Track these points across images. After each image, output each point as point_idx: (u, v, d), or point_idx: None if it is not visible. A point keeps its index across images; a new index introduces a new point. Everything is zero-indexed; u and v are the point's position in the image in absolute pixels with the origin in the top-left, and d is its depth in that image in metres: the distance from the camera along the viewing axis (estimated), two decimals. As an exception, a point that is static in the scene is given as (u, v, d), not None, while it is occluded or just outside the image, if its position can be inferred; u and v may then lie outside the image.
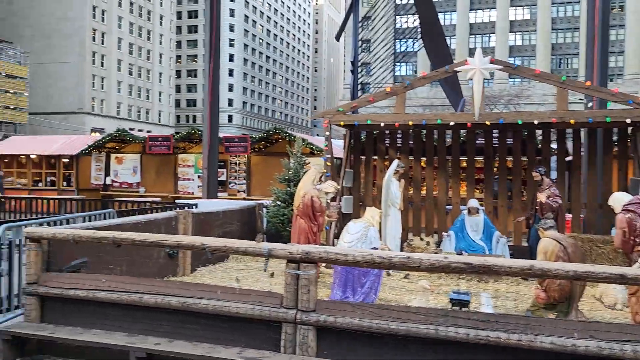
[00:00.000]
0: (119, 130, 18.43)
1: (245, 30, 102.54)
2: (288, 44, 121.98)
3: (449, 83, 27.73)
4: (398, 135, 9.49)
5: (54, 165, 20.38)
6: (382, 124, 8.33)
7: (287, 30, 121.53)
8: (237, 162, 17.75)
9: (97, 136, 22.75)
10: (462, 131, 9.46)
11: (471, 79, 7.71)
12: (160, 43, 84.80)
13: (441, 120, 7.93)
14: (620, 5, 71.25)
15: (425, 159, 9.43)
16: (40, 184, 20.21)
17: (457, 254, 7.93)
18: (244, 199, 17.53)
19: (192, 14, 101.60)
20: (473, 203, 8.41)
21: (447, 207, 9.41)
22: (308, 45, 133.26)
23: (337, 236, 9.02)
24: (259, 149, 17.44)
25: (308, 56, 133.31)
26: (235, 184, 17.76)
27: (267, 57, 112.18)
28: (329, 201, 8.05)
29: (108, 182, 18.95)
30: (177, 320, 4.69)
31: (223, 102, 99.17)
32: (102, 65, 72.73)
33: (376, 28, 32.77)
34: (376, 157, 9.69)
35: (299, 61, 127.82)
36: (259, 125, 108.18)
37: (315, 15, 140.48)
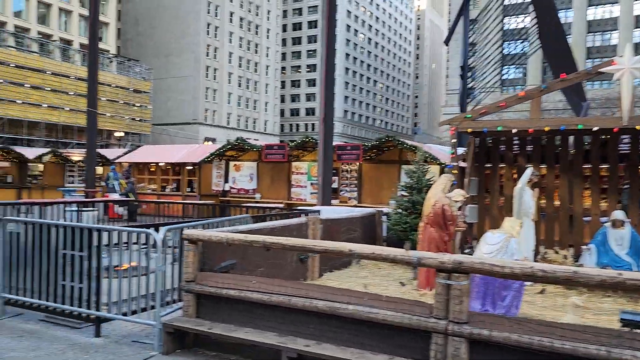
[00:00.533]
0: (238, 139, 19.48)
1: (346, 39, 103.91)
2: (389, 51, 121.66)
3: (571, 86, 26.05)
4: (528, 141, 9.05)
5: (178, 172, 21.97)
6: (514, 130, 8.00)
7: (388, 38, 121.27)
8: (349, 169, 17.96)
9: (216, 145, 24.17)
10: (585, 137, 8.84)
11: (617, 80, 7.15)
12: (267, 56, 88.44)
13: (582, 126, 7.44)
14: None
15: (558, 166, 8.89)
16: (167, 189, 21.88)
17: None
18: (355, 206, 17.68)
19: (297, 26, 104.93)
20: (618, 215, 7.77)
21: (585, 218, 8.79)
22: (409, 52, 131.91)
23: (460, 247, 8.80)
24: (370, 157, 17.52)
25: (409, 63, 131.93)
26: (347, 191, 17.98)
27: (368, 65, 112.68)
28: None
29: (227, 188, 20.06)
30: (323, 323, 4.82)
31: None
32: (214, 79, 77.37)
33: (485, 31, 31.66)
34: (503, 165, 9.32)
35: (399, 68, 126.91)
36: (359, 134, 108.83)
37: (417, 21, 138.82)
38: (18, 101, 49.52)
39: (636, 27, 68.41)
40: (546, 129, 7.72)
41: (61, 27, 60.16)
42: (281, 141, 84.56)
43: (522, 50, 38.94)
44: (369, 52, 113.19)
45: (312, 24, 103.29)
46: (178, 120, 74.37)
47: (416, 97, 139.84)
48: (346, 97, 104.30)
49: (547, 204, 9.02)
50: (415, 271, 7.75)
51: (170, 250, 5.95)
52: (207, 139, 73.99)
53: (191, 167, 21.50)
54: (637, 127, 7.20)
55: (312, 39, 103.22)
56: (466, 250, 8.59)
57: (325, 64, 15.31)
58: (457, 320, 4.15)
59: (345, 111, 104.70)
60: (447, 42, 31.31)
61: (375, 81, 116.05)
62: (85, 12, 61.28)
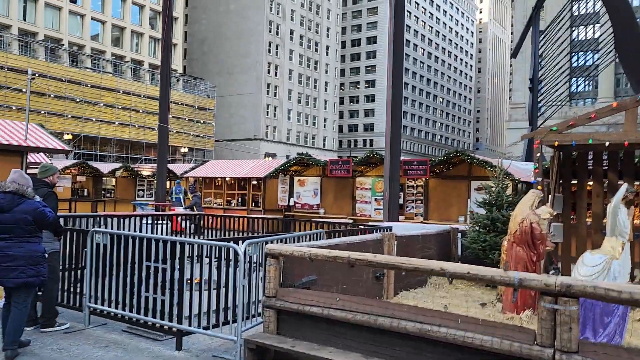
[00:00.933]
0: (302, 154, 19.59)
1: (406, 54, 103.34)
2: (450, 65, 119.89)
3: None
4: (619, 156, 8.44)
5: (244, 187, 22.32)
6: (607, 144, 7.48)
7: (449, 52, 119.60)
8: (415, 185, 17.58)
9: (280, 160, 24.44)
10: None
11: None
12: (326, 72, 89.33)
13: (683, 140, 6.86)
14: None
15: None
16: (232, 203, 22.27)
17: None
18: (421, 222, 17.26)
19: (355, 43, 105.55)
20: None
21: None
22: (471, 66, 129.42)
23: (545, 267, 8.28)
24: (437, 172, 17.08)
25: (470, 77, 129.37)
26: (413, 207, 17.58)
27: (428, 80, 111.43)
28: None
29: (291, 203, 20.16)
30: (410, 345, 4.58)
31: (382, 126, 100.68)
32: (275, 95, 78.89)
33: (554, 42, 30.49)
34: (590, 181, 8.74)
35: (460, 82, 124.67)
36: (419, 149, 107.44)
37: (478, 34, 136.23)
38: (93, 119, 52.38)
39: None
40: (642, 141, 7.17)
41: (133, 49, 63.38)
42: (339, 156, 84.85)
43: (592, 61, 37.13)
44: (429, 67, 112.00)
45: (371, 40, 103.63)
46: (240, 136, 76.19)
47: (478, 111, 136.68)
48: (405, 112, 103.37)
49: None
50: (499, 293, 7.33)
51: (249, 264, 5.89)
52: (267, 155, 75.36)
53: (256, 182, 21.79)
54: None
55: (370, 55, 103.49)
56: (551, 272, 8.06)
57: (392, 77, 15.13)
58: (565, 350, 3.80)
59: (405, 126, 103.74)
60: (514, 55, 30.39)
61: (435, 96, 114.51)
62: (155, 34, 64.55)
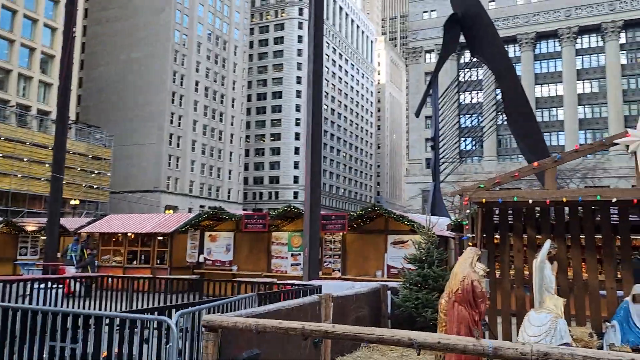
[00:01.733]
0: (215, 208, 18.74)
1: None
2: (352, 121, 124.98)
3: (536, 158, 26.83)
4: (536, 212, 8.82)
5: (147, 244, 20.82)
6: (530, 201, 7.75)
7: (351, 109, 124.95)
8: (332, 239, 17.40)
9: (189, 214, 23.24)
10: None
11: (633, 153, 7.08)
12: (232, 124, 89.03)
13: (601, 197, 7.27)
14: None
15: (569, 237, 8.65)
16: (134, 262, 20.61)
17: (634, 350, 6.97)
18: (339, 278, 16.99)
19: (261, 96, 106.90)
20: (639, 289, 7.47)
21: (601, 292, 8.46)
22: (371, 123, 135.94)
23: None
24: (354, 227, 17.07)
25: (371, 133, 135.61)
26: (331, 262, 17.32)
27: (332, 135, 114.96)
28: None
29: (201, 259, 19.05)
30: None
31: (289, 179, 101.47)
32: (178, 146, 76.77)
33: (450, 106, 32.84)
34: (511, 235, 9.01)
35: (362, 138, 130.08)
36: (323, 202, 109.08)
37: (377, 94, 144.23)
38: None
39: (580, 105, 73.12)
40: (564, 199, 7.51)
41: (19, 93, 58.93)
42: (244, 209, 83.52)
43: (479, 123, 40.30)
44: (332, 123, 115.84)
45: (276, 95, 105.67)
46: (139, 187, 72.63)
47: (378, 166, 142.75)
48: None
49: (560, 277, 8.67)
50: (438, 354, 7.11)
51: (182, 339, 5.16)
52: (168, 207, 72.30)
53: (162, 238, 20.44)
54: (660, 198, 7.08)
55: (275, 109, 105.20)
56: (482, 327, 8.02)
57: (311, 132, 15.10)
58: None
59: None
60: (417, 114, 32.16)
61: (338, 150, 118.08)
62: (47, 79, 60.70)
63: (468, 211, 8.05)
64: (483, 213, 8.93)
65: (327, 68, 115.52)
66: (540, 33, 75.98)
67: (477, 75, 42.70)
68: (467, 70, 36.42)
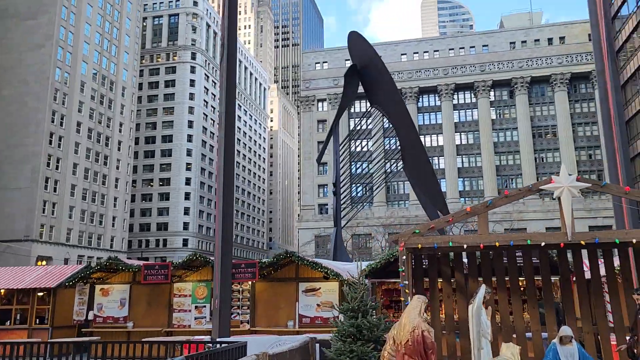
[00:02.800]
0: (110, 258, 16.92)
1: (202, 154, 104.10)
2: (244, 167, 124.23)
3: (431, 202, 28.16)
4: (462, 256, 8.92)
5: (23, 301, 18.25)
6: (465, 246, 7.78)
7: (244, 154, 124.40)
8: (240, 289, 16.47)
9: (77, 266, 20.86)
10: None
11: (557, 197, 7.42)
12: (117, 168, 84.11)
13: (531, 241, 7.49)
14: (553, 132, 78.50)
15: (494, 280, 8.80)
16: (7, 323, 17.87)
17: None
18: (249, 330, 16.03)
19: (150, 140, 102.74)
20: (567, 331, 7.68)
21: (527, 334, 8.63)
22: (264, 169, 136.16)
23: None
24: (264, 275, 16.34)
25: (264, 179, 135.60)
26: (239, 314, 16.31)
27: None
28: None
29: (91, 317, 16.98)
30: None
31: (178, 225, 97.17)
32: (55, 191, 70.54)
33: (349, 154, 33.83)
34: (440, 280, 9.00)
35: (255, 184, 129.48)
36: (211, 249, 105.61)
37: (270, 140, 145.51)
38: None
39: (458, 154, 79.50)
40: (497, 244, 7.64)
41: None
42: (129, 257, 77.89)
43: (369, 170, 41.88)
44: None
45: (166, 138, 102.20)
46: (6, 237, 65.10)
47: (271, 212, 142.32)
48: (201, 212, 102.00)
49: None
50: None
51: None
52: (40, 258, 65.38)
53: (42, 294, 18.04)
54: (582, 242, 7.43)
55: (165, 153, 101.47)
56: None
57: (223, 177, 14.37)
58: None
59: (200, 226, 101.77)
60: (318, 160, 32.55)
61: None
62: None
63: (404, 257, 7.88)
64: (412, 258, 8.85)
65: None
66: (422, 88, 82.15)
67: (367, 124, 44.77)
68: (362, 118, 37.93)
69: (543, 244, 7.59)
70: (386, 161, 38.61)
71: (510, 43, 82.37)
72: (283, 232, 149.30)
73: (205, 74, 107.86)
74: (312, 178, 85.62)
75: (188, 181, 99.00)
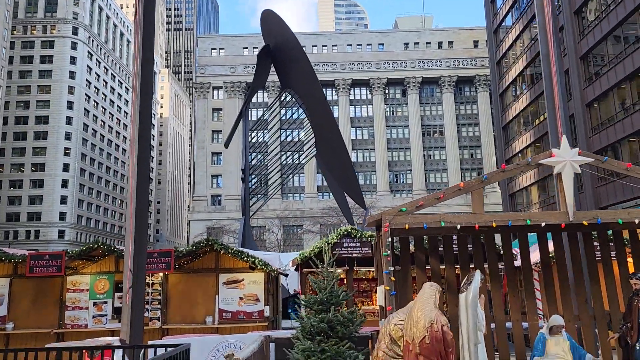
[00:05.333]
0: (-15, 246, 13.83)
1: (83, 139, 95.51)
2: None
3: (345, 190, 27.55)
4: (438, 240, 7.98)
5: None
6: (458, 226, 6.80)
7: (129, 140, 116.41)
8: (150, 282, 14.33)
9: None
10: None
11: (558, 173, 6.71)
12: (-18, 149, 74.21)
13: (530, 221, 6.72)
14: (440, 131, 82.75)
15: (472, 266, 7.96)
16: None
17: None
18: (161, 329, 14.00)
19: (22, 120, 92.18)
20: (558, 320, 7.04)
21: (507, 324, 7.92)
22: (152, 157, 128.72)
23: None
24: (179, 266, 14.37)
25: (152, 168, 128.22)
26: (148, 310, 14.16)
27: (107, 167, 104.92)
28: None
29: (-44, 318, 13.79)
30: None
31: (54, 216, 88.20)
32: None
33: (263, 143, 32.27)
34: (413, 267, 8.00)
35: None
36: (89, 239, 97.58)
37: (159, 128, 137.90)
38: None
39: (353, 149, 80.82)
40: (494, 224, 6.77)
41: None
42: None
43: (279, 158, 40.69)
44: (109, 154, 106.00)
45: (42, 119, 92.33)
46: None
47: (159, 202, 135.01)
48: (80, 201, 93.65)
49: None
50: None
51: None
52: None
53: None
54: (585, 223, 6.82)
55: (40, 136, 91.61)
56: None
57: (138, 154, 12.25)
58: None
59: (79, 216, 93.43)
60: (226, 145, 30.51)
61: (114, 185, 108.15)
62: None
63: (390, 239, 6.72)
64: (381, 242, 7.74)
65: (105, 95, 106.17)
66: (320, 82, 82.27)
67: (279, 110, 43.39)
68: (275, 102, 36.46)
69: (543, 224, 6.88)
70: (291, 151, 37.60)
71: (405, 44, 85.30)
72: (172, 224, 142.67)
73: (88, 52, 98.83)
74: (205, 168, 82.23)
75: (66, 167, 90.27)
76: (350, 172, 25.95)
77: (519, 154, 52.13)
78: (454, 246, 8.05)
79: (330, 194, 77.87)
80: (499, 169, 7.11)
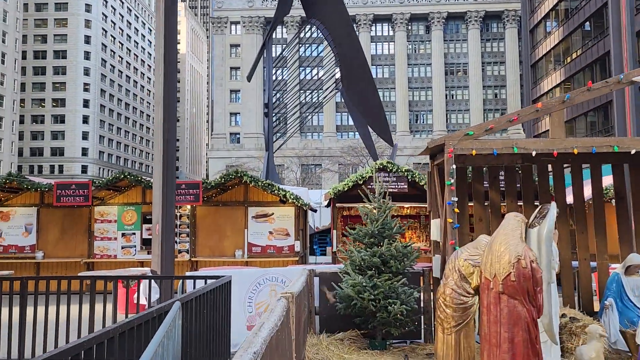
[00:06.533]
0: (10, 175, 13.47)
1: (102, 74, 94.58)
2: (149, 91, 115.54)
3: (372, 126, 26.63)
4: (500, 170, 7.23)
5: None
6: (534, 153, 6.03)
7: (148, 77, 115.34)
8: (179, 214, 13.98)
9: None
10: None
11: None
12: (2, 84, 73.89)
13: (618, 148, 5.91)
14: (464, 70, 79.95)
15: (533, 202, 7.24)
16: None
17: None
18: (190, 262, 13.78)
19: (40, 55, 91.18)
20: (636, 259, 6.38)
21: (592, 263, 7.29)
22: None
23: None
24: (207, 198, 13.94)
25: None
26: (176, 242, 13.91)
27: (127, 104, 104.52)
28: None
29: (-14, 246, 13.72)
30: None
31: (76, 151, 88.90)
32: None
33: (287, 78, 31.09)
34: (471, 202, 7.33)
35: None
36: (107, 175, 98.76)
37: (177, 65, 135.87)
38: None
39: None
40: (575, 151, 5.98)
41: None
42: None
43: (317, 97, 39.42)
44: (128, 91, 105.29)
45: (59, 54, 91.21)
46: None
47: (178, 140, 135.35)
48: (101, 137, 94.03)
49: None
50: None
51: None
52: None
53: None
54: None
55: (59, 71, 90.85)
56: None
57: (165, 86, 11.51)
58: None
59: (101, 152, 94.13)
60: (249, 78, 29.46)
61: (134, 121, 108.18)
62: None
63: (454, 167, 6.00)
64: (438, 172, 7.03)
65: (122, 30, 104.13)
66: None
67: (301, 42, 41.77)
68: (300, 32, 34.96)
69: (633, 151, 6.07)
70: (311, 89, 36.42)
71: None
72: (191, 162, 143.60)
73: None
74: (223, 105, 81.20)
75: (86, 103, 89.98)
76: (378, 107, 24.91)
77: (547, 94, 50.12)
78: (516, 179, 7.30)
79: (349, 133, 76.90)
80: (584, 86, 6.21)
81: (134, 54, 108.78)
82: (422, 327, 6.99)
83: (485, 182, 7.72)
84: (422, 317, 6.95)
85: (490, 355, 4.31)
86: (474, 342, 4.99)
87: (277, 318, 3.54)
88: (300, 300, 5.19)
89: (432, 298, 7.15)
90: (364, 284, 6.17)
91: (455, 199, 5.98)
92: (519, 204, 7.40)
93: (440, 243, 6.79)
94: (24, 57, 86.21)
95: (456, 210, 5.96)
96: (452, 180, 5.93)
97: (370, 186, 13.21)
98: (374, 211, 6.70)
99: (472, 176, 7.33)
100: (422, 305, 6.93)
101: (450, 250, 5.82)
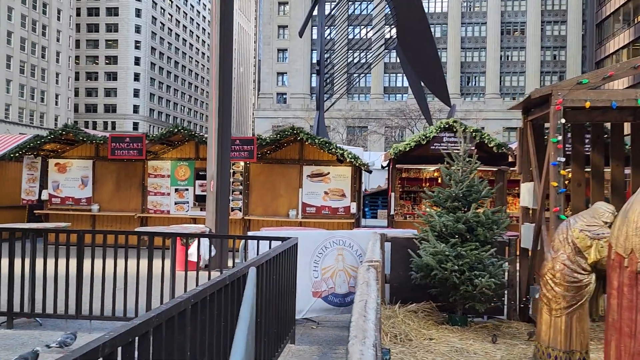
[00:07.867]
0: (67, 126, 13.35)
1: (152, 32, 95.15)
2: (197, 50, 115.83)
3: (429, 87, 25.39)
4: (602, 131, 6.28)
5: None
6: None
7: (197, 36, 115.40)
8: (232, 171, 13.57)
9: (19, 136, 17.10)
10: None
11: None
12: (58, 40, 75.44)
13: None
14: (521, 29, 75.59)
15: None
16: None
17: None
18: (243, 220, 13.43)
19: (93, 12, 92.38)
20: None
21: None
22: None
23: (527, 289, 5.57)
24: (261, 155, 13.43)
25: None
26: (229, 200, 13.55)
27: (176, 62, 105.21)
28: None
29: (45, 196, 13.79)
30: None
31: (128, 108, 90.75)
32: (-12, 62, 62.80)
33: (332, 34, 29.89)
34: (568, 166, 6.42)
35: (208, 68, 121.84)
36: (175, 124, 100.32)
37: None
38: None
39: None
40: None
41: None
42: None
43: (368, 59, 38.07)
44: (177, 49, 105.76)
45: (112, 11, 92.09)
46: None
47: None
48: (152, 95, 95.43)
49: None
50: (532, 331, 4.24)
51: None
52: (-25, 135, 59.34)
53: (-21, 167, 14.54)
54: None
55: (111, 28, 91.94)
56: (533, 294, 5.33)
57: (221, 50, 10.93)
58: None
59: (152, 110, 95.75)
60: (301, 34, 28.51)
61: (183, 80, 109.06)
62: None
63: (563, 121, 5.13)
64: (533, 131, 6.14)
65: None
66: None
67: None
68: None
69: None
70: (361, 49, 34.93)
71: None
72: (237, 121, 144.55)
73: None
74: (270, 65, 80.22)
75: (137, 61, 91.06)
76: (435, 66, 23.57)
77: (613, 55, 46.64)
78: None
79: (397, 95, 74.66)
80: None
81: (184, 12, 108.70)
82: (506, 302, 6.28)
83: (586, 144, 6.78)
84: (506, 291, 6.23)
85: (621, 347, 3.57)
86: (588, 328, 4.25)
87: (376, 294, 2.91)
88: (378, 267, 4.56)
89: (517, 270, 6.40)
90: (446, 252, 5.47)
91: (563, 159, 5.13)
92: (625, 170, 6.45)
93: (531, 210, 5.96)
94: (77, 14, 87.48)
95: (562, 172, 5.12)
96: (560, 138, 5.07)
97: (434, 146, 12.35)
98: (458, 171, 5.92)
99: (572, 134, 6.40)
100: (506, 278, 6.19)
101: (554, 218, 5.02)
